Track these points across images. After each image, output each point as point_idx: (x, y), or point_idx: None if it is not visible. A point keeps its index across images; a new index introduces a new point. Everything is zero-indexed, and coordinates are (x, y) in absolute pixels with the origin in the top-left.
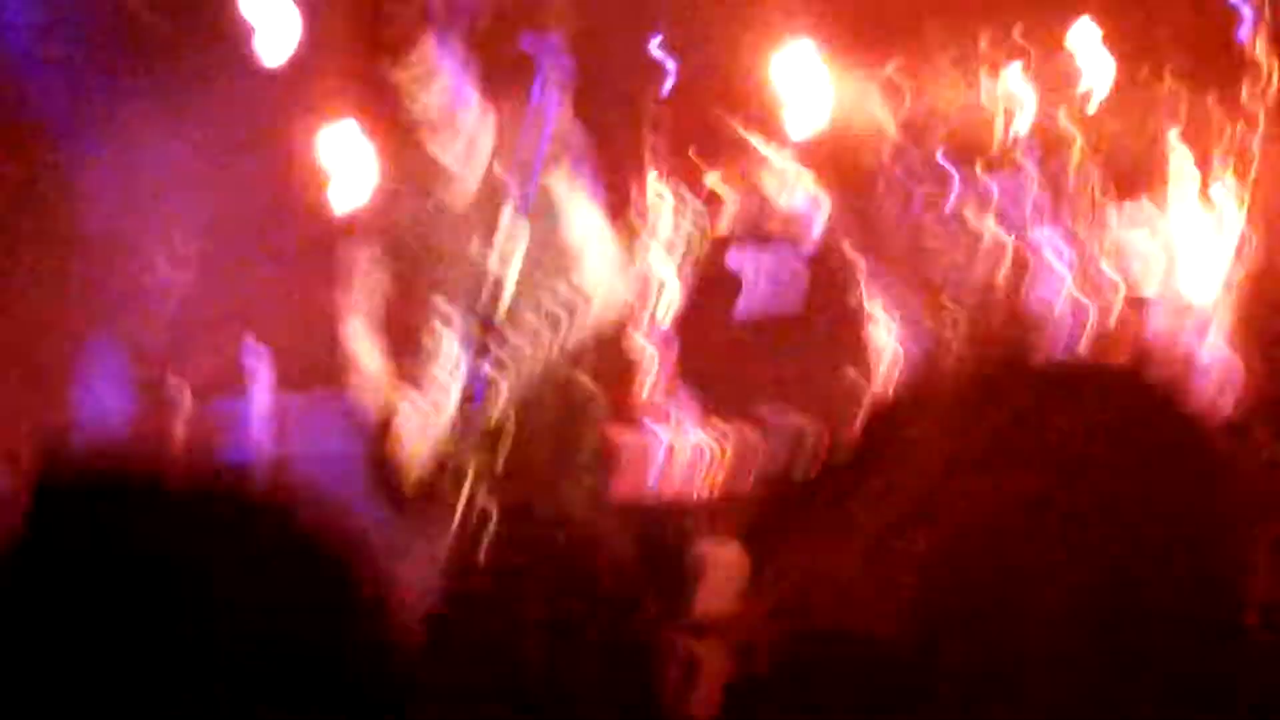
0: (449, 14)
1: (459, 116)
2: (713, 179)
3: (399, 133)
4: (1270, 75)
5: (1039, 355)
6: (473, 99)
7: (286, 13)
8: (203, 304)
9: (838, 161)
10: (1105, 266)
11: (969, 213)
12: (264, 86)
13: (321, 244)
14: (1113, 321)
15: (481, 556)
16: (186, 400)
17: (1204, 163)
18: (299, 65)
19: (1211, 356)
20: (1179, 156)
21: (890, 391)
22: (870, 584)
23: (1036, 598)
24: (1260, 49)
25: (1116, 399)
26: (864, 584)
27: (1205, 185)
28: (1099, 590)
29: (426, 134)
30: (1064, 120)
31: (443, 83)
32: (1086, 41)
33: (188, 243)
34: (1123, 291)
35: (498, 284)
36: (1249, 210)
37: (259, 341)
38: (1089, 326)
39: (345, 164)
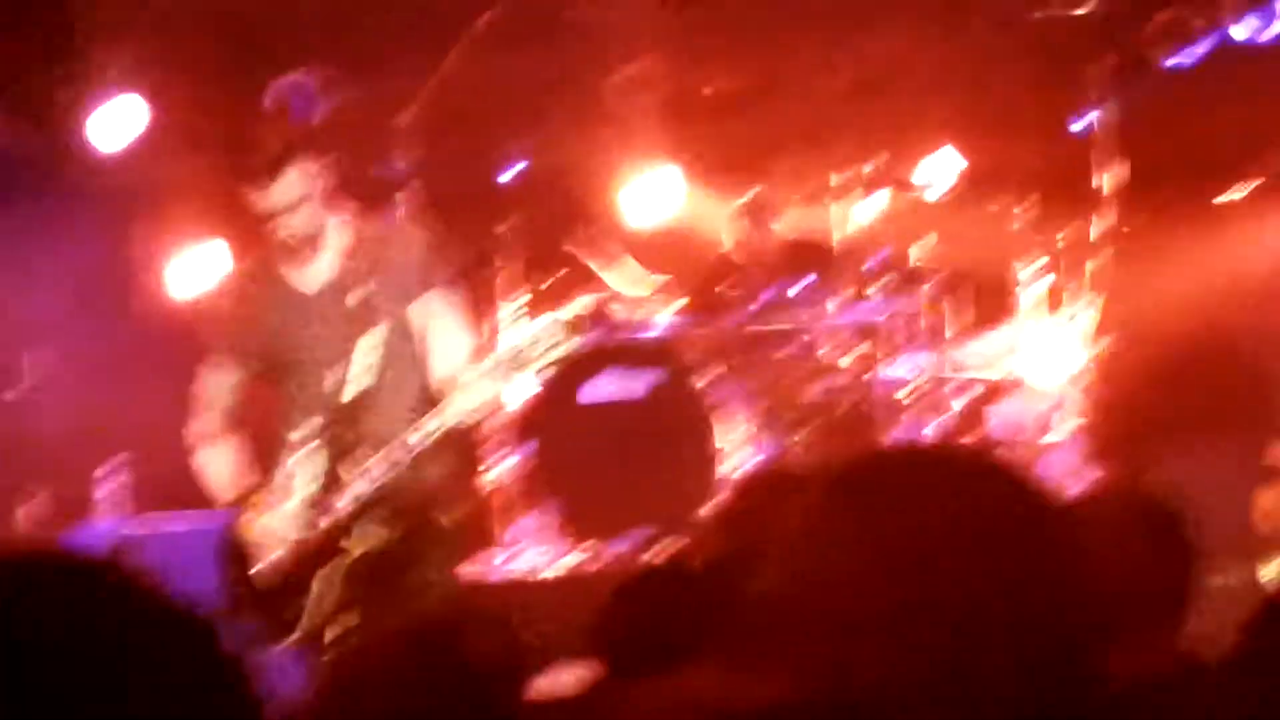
0: (314, 141)
1: (321, 239)
2: (569, 301)
3: (262, 254)
4: (1118, 206)
5: (887, 451)
6: (335, 223)
7: (142, 135)
8: (60, 423)
9: (692, 281)
10: (956, 388)
11: (823, 342)
12: (126, 208)
13: (180, 363)
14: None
15: (328, 676)
16: (39, 519)
17: (1056, 285)
18: (162, 187)
19: (1059, 455)
20: (1031, 281)
21: (742, 498)
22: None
23: (895, 680)
24: (1109, 182)
25: (964, 485)
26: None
27: (1056, 305)
28: (950, 669)
29: (290, 256)
30: (919, 248)
31: (307, 207)
32: (943, 174)
33: (45, 362)
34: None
35: (354, 404)
36: (1099, 327)
37: (116, 462)
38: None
39: (207, 284)
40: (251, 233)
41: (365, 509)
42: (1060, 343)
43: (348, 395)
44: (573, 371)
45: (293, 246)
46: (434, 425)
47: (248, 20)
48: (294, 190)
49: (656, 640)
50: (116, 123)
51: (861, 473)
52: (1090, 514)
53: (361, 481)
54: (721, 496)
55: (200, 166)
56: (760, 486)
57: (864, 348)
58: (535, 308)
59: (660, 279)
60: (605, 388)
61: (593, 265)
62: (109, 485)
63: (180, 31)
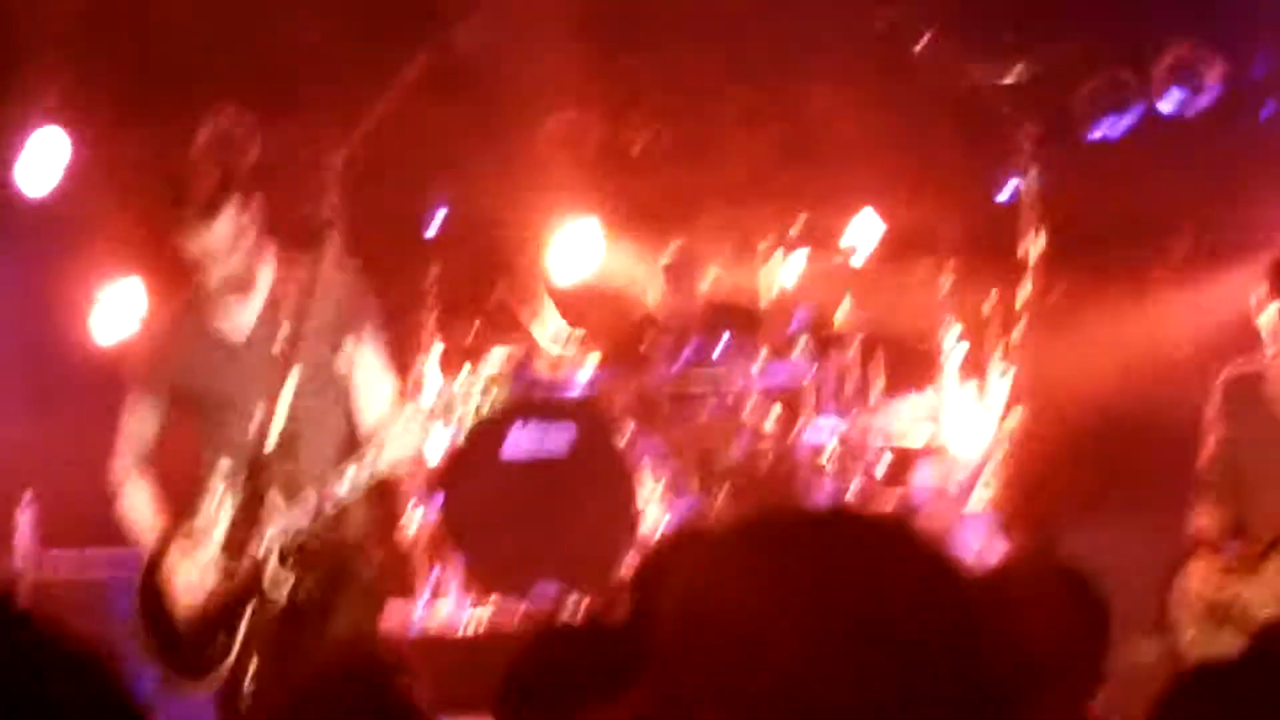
0: (247, 182)
1: (251, 282)
2: (490, 353)
3: (189, 295)
4: (1040, 275)
5: (800, 512)
6: (265, 265)
7: (64, 172)
8: None
9: (614, 337)
10: (876, 453)
11: (744, 403)
12: (46, 244)
13: (99, 398)
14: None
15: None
16: None
17: (976, 351)
18: (83, 224)
19: (976, 523)
20: (952, 347)
21: (655, 555)
22: None
23: None
24: (1032, 250)
25: (877, 550)
26: None
27: (976, 372)
28: None
29: (218, 298)
30: (842, 311)
31: (240, 248)
32: (867, 237)
33: None
34: (888, 466)
35: (276, 449)
36: (1016, 395)
37: (30, 497)
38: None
39: (131, 322)
40: (176, 272)
41: (286, 555)
42: (980, 410)
43: (270, 440)
44: (494, 425)
45: (222, 288)
46: (362, 475)
47: (172, 60)
48: (228, 231)
49: (565, 695)
50: (39, 160)
51: (759, 532)
52: (1004, 580)
53: (282, 527)
54: (636, 555)
55: (122, 204)
56: (671, 545)
57: (784, 410)
58: (458, 359)
59: (580, 333)
60: (526, 443)
61: (521, 318)
62: (23, 520)
63: (103, 69)
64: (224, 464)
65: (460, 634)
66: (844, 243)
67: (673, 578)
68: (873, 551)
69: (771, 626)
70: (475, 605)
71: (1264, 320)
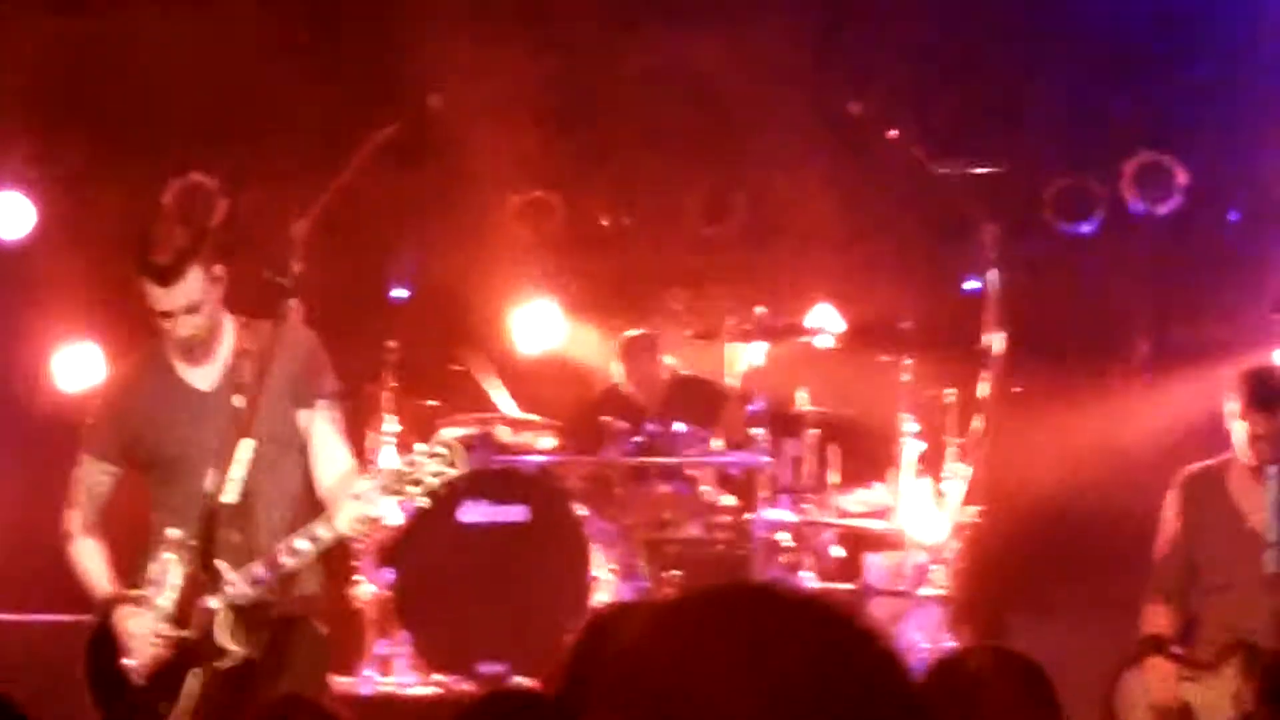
0: (213, 243)
1: (216, 341)
2: (446, 427)
3: (153, 350)
4: (1002, 369)
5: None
6: (229, 325)
7: (27, 230)
8: None
9: (572, 415)
10: (834, 539)
11: (704, 480)
12: (10, 298)
13: (52, 459)
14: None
15: None
16: None
17: (935, 445)
18: (50, 282)
19: (928, 613)
20: (910, 438)
21: (595, 624)
22: None
23: None
24: (995, 344)
25: (782, 623)
26: None
27: (933, 465)
28: None
29: (183, 355)
30: (804, 393)
31: (205, 308)
32: (827, 325)
33: None
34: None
35: (233, 505)
36: (973, 488)
37: None
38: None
39: (89, 379)
40: (134, 336)
41: (239, 612)
42: (935, 502)
43: (227, 496)
44: (451, 493)
45: (182, 350)
46: (322, 534)
47: (138, 126)
48: (194, 291)
49: None
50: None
51: (699, 603)
52: (954, 669)
53: (237, 584)
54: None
55: (84, 267)
56: (611, 615)
57: (740, 493)
58: (414, 432)
59: (536, 418)
60: (483, 512)
61: (478, 393)
62: None
63: (70, 133)
64: (180, 517)
65: (405, 693)
66: (810, 324)
67: (610, 645)
68: (812, 628)
69: (705, 694)
70: (420, 684)
71: (1233, 429)
